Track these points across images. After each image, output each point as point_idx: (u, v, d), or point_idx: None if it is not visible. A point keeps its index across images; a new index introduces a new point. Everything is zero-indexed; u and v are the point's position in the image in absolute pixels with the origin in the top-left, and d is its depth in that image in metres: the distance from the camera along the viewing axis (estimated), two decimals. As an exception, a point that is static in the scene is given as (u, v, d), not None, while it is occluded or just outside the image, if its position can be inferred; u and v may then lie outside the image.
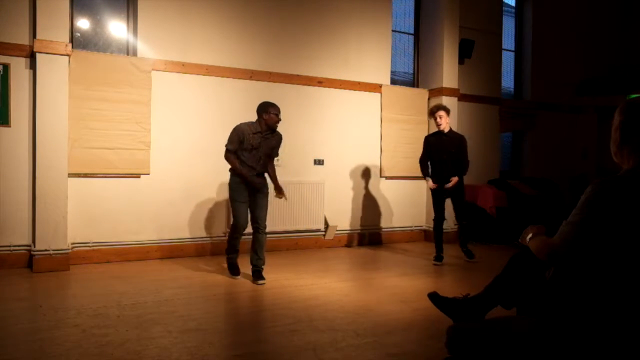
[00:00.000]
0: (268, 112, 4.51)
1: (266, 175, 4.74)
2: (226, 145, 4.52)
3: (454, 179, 5.36)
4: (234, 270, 4.67)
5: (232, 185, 4.57)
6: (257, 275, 4.53)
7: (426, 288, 4.30)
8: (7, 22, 4.75)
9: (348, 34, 6.57)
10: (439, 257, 5.50)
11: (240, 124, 4.56)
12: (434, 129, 6.99)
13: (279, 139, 4.69)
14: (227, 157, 4.53)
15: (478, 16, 7.53)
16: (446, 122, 5.49)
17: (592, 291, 1.60)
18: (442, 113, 5.45)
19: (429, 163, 5.60)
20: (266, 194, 4.66)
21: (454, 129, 7.00)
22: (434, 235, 5.60)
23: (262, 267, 4.57)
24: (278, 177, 4.81)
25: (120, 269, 4.89)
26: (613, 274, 1.56)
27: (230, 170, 4.61)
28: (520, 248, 2.07)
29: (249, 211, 4.60)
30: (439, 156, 5.48)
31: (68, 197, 4.87)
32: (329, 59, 6.43)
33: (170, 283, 4.39)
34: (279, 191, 4.70)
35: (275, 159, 5.12)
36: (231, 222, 4.71)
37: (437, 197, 5.52)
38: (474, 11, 7.46)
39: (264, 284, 4.44)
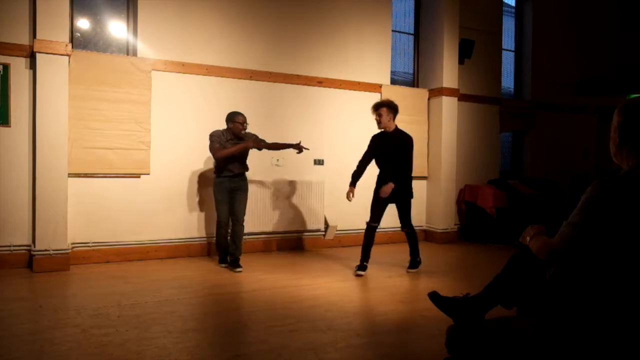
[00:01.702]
0: (233, 120, 4.89)
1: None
2: (214, 145, 4.83)
3: (387, 188, 4.76)
4: (222, 257, 5.11)
5: (215, 185, 4.99)
6: (235, 263, 4.94)
7: (426, 288, 4.30)
8: (7, 22, 4.75)
9: (348, 34, 6.57)
10: (362, 267, 4.90)
11: (215, 130, 4.93)
12: (435, 129, 6.93)
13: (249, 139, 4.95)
14: (219, 152, 4.81)
15: (478, 16, 7.53)
16: (387, 121, 4.89)
17: (592, 291, 1.60)
18: (382, 111, 4.87)
19: (366, 167, 5.08)
20: (245, 192, 5.05)
21: (454, 129, 7.05)
22: (365, 241, 4.97)
23: (239, 256, 4.98)
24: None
25: (120, 269, 4.89)
26: (613, 275, 1.56)
27: (215, 172, 5.02)
28: (520, 248, 2.08)
29: (228, 209, 4.99)
30: (380, 159, 4.99)
31: (68, 197, 4.87)
32: (329, 59, 6.43)
33: (170, 283, 4.39)
34: (298, 147, 4.99)
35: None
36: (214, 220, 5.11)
37: (378, 199, 4.97)
38: (474, 11, 7.46)
39: (241, 271, 4.86)
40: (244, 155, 4.98)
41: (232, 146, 4.85)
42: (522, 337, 1.69)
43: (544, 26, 8.37)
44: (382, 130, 5.02)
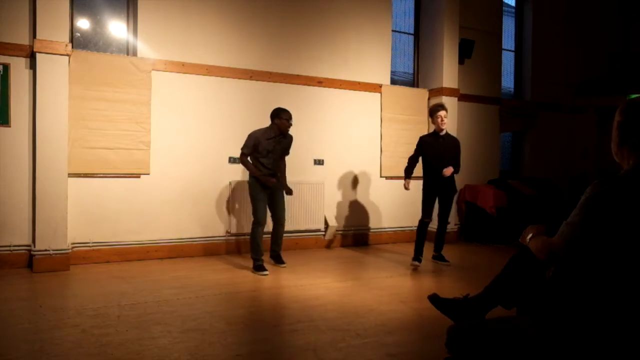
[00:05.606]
0: (280, 117, 4.90)
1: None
2: (242, 149, 4.89)
3: (450, 168, 5.19)
4: (262, 269, 4.82)
5: (251, 183, 4.95)
6: (278, 258, 5.11)
7: (426, 288, 4.31)
8: (7, 22, 4.75)
9: (348, 34, 6.57)
10: (418, 259, 5.24)
11: (255, 131, 4.92)
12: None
13: (290, 140, 5.09)
14: (242, 161, 4.95)
15: (478, 16, 7.53)
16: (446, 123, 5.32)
17: (592, 291, 1.60)
18: (446, 113, 5.25)
19: (417, 165, 5.42)
20: (282, 190, 5.09)
21: (454, 129, 7.04)
22: (418, 236, 5.30)
23: (280, 252, 5.14)
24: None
25: (120, 269, 4.89)
26: (613, 274, 1.56)
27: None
28: (520, 248, 2.08)
29: (267, 208, 4.98)
30: (438, 160, 5.23)
31: (68, 197, 4.87)
32: (329, 59, 6.43)
33: (170, 283, 4.39)
34: (287, 190, 5.15)
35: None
36: (252, 219, 4.99)
37: (431, 196, 5.31)
38: (474, 11, 7.46)
39: (285, 266, 5.04)
40: (282, 154, 5.08)
41: (267, 158, 4.86)
42: (522, 337, 1.69)
43: (544, 26, 8.37)
44: (434, 132, 5.33)
